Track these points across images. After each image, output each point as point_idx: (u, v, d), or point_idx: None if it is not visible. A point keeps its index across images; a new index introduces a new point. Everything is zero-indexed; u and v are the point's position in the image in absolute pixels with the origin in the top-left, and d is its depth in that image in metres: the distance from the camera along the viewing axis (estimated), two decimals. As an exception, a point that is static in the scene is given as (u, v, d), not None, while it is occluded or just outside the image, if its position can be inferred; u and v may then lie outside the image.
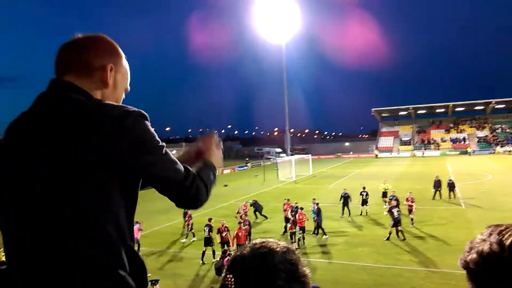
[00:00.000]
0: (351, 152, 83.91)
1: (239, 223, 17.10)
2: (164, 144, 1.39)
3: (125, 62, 1.54)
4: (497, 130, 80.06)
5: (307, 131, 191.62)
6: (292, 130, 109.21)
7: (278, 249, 1.05)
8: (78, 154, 1.23)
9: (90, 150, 1.24)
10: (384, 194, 24.98)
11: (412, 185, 31.88)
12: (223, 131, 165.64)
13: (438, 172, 34.10)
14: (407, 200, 20.20)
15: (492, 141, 76.86)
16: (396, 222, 17.73)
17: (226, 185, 40.81)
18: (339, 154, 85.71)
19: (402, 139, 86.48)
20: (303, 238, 17.78)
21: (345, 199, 22.81)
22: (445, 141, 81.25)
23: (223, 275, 1.05)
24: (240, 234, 16.10)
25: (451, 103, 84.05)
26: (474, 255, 0.94)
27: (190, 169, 1.46)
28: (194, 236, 19.18)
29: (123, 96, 1.55)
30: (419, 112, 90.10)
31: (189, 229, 19.40)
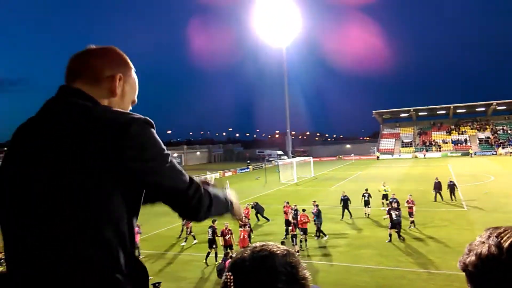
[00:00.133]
0: (353, 154, 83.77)
1: (244, 225, 17.15)
2: (169, 152, 1.40)
3: (134, 75, 1.58)
4: (498, 132, 79.91)
5: (308, 133, 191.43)
6: (293, 133, 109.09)
7: (278, 252, 1.05)
8: (82, 157, 1.25)
9: (94, 154, 1.25)
10: (384, 197, 24.93)
11: (414, 187, 31.84)
12: (224, 133, 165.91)
13: (440, 174, 34.07)
14: (407, 202, 20.17)
15: (494, 143, 76.74)
16: (395, 224, 17.71)
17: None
18: (340, 156, 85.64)
19: (404, 141, 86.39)
20: (305, 240, 17.76)
21: (345, 201, 22.85)
22: (446, 142, 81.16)
23: (223, 277, 1.06)
24: (245, 236, 16.10)
25: (452, 105, 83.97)
26: (473, 257, 0.94)
27: (195, 180, 1.47)
28: (194, 239, 19.12)
29: (130, 107, 1.57)
30: (420, 114, 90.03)
31: (189, 232, 19.33)
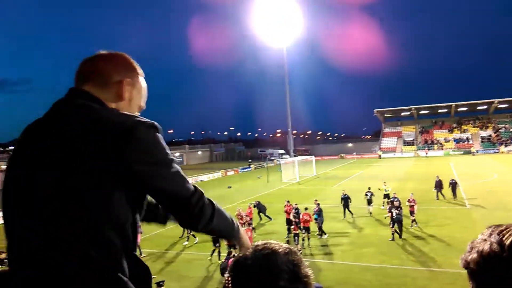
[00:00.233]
0: (354, 153, 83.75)
1: (249, 224, 17.25)
2: (174, 158, 1.41)
3: (142, 81, 1.60)
4: (500, 130, 79.75)
5: (309, 132, 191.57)
6: (294, 132, 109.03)
7: (280, 250, 1.06)
8: (88, 159, 1.26)
9: (100, 156, 1.27)
10: (386, 196, 24.74)
11: (416, 186, 31.83)
12: (225, 133, 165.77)
13: (442, 172, 34.02)
14: (408, 201, 20.15)
15: (496, 141, 76.60)
16: (394, 223, 17.72)
17: (229, 187, 40.88)
18: (342, 155, 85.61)
19: (405, 140, 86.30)
20: (308, 239, 17.78)
21: (345, 200, 22.80)
22: (448, 141, 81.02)
23: (225, 275, 1.07)
24: (250, 234, 16.14)
25: (453, 103, 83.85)
26: (475, 255, 0.95)
27: (199, 188, 1.46)
28: (195, 237, 19.12)
29: (138, 113, 1.58)
30: (421, 112, 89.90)
31: (189, 231, 19.33)
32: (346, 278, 13.41)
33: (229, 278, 1.03)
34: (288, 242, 15.67)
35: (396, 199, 19.03)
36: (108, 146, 1.27)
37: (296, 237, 17.55)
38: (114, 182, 1.29)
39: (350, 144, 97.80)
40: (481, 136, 79.81)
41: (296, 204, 19.53)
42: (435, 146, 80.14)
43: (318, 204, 19.49)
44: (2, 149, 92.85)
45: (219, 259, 15.66)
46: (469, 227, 18.52)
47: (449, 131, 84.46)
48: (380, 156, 78.30)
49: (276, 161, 64.45)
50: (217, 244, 16.06)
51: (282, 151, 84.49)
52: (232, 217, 1.61)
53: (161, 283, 10.42)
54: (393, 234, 17.72)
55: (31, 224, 1.27)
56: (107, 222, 1.29)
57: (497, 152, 71.05)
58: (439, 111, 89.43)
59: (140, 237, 17.07)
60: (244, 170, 63.65)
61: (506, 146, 72.35)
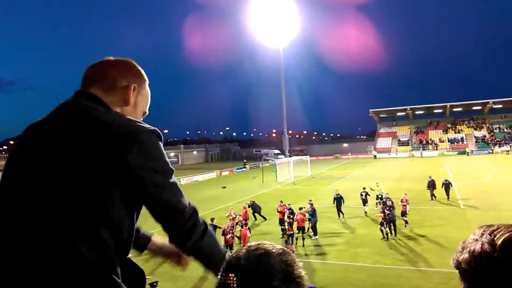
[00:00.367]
0: (350, 153, 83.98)
1: (245, 224, 17.33)
2: (173, 169, 1.42)
3: (147, 87, 1.63)
4: (495, 130, 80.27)
5: (305, 132, 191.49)
6: (290, 132, 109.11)
7: (274, 251, 1.06)
8: (89, 162, 1.28)
9: (102, 158, 1.28)
10: (378, 197, 24.59)
11: (411, 186, 31.94)
12: (221, 133, 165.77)
13: (437, 172, 34.14)
14: (401, 201, 20.23)
15: (490, 141, 77.06)
16: (386, 223, 17.80)
17: (224, 187, 40.86)
18: (337, 155, 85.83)
19: (400, 140, 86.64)
20: (303, 239, 17.80)
21: (338, 200, 22.72)
22: (443, 141, 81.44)
23: (218, 277, 1.06)
24: (246, 234, 16.14)
25: (448, 104, 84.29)
26: (466, 255, 0.95)
27: (194, 205, 1.46)
28: None
29: (141, 118, 1.61)
30: (417, 112, 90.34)
31: None
32: (341, 278, 13.44)
33: (229, 277, 1.03)
34: (286, 242, 15.67)
35: (388, 199, 19.12)
36: (111, 149, 1.29)
37: (290, 238, 17.57)
38: (114, 184, 1.30)
39: (345, 144, 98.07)
40: (476, 137, 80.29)
41: (289, 205, 19.56)
42: (430, 147, 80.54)
43: (312, 205, 19.50)
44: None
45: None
46: (463, 227, 18.60)
47: (444, 131, 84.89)
48: (375, 156, 78.54)
49: (271, 161, 64.46)
50: None
51: (277, 151, 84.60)
52: (227, 250, 1.59)
53: (154, 284, 10.34)
54: (386, 234, 17.78)
55: (31, 225, 1.28)
56: (106, 224, 1.30)
57: (491, 153, 71.50)
58: (434, 111, 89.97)
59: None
60: (239, 170, 63.66)
61: (500, 146, 72.82)
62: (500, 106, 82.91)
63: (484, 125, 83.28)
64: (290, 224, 17.91)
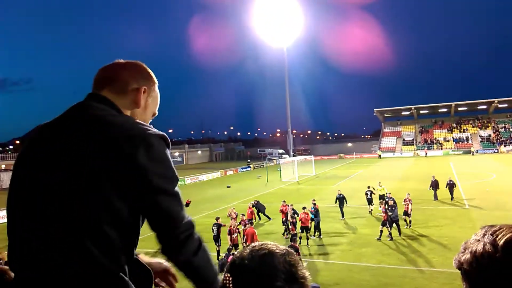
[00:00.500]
0: (354, 153, 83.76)
1: (251, 223, 17.41)
2: (178, 177, 1.43)
3: (157, 89, 1.65)
4: (500, 130, 79.75)
5: (309, 132, 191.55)
6: (294, 131, 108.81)
7: (277, 251, 1.06)
8: (95, 163, 1.28)
9: (107, 161, 1.29)
10: (381, 197, 24.29)
11: (415, 186, 31.83)
12: (225, 132, 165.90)
13: (442, 172, 33.96)
14: (404, 201, 20.16)
15: (496, 141, 76.60)
16: (389, 222, 17.76)
17: (229, 187, 40.88)
18: (341, 154, 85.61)
19: (405, 139, 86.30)
20: (307, 239, 17.78)
21: (340, 200, 22.66)
22: (448, 141, 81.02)
23: (222, 276, 1.07)
24: (253, 233, 16.17)
25: (453, 103, 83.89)
26: (468, 256, 0.95)
27: (192, 219, 1.45)
28: None
29: (151, 119, 1.64)
30: (421, 112, 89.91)
31: None
32: (345, 278, 13.41)
33: (230, 278, 1.04)
34: (292, 239, 15.64)
35: (390, 199, 19.07)
36: (119, 153, 1.29)
37: (294, 238, 17.53)
38: (121, 186, 1.30)
39: (349, 144, 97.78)
40: (481, 136, 79.81)
41: (291, 205, 19.54)
42: (435, 146, 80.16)
43: (315, 204, 19.46)
44: (1, 149, 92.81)
45: (218, 259, 15.66)
46: (467, 227, 18.51)
47: (448, 130, 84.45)
48: (379, 155, 78.28)
49: (275, 160, 64.42)
50: (217, 244, 16.11)
51: (281, 151, 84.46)
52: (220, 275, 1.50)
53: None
54: (390, 234, 17.73)
55: (33, 225, 1.28)
56: (112, 223, 1.30)
57: (497, 152, 71.08)
58: (439, 110, 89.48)
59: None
60: (244, 170, 63.63)
61: (505, 146, 72.36)
62: (506, 105, 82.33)
63: (489, 124, 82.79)
64: (294, 224, 17.89)
